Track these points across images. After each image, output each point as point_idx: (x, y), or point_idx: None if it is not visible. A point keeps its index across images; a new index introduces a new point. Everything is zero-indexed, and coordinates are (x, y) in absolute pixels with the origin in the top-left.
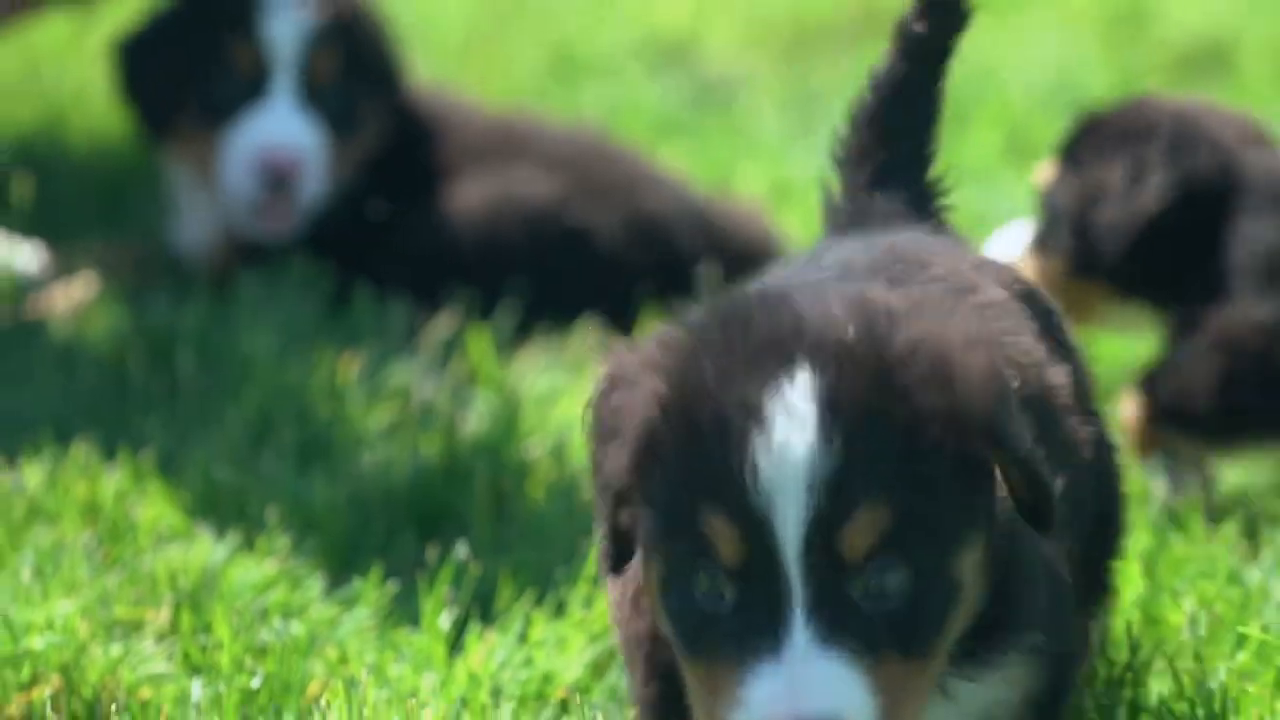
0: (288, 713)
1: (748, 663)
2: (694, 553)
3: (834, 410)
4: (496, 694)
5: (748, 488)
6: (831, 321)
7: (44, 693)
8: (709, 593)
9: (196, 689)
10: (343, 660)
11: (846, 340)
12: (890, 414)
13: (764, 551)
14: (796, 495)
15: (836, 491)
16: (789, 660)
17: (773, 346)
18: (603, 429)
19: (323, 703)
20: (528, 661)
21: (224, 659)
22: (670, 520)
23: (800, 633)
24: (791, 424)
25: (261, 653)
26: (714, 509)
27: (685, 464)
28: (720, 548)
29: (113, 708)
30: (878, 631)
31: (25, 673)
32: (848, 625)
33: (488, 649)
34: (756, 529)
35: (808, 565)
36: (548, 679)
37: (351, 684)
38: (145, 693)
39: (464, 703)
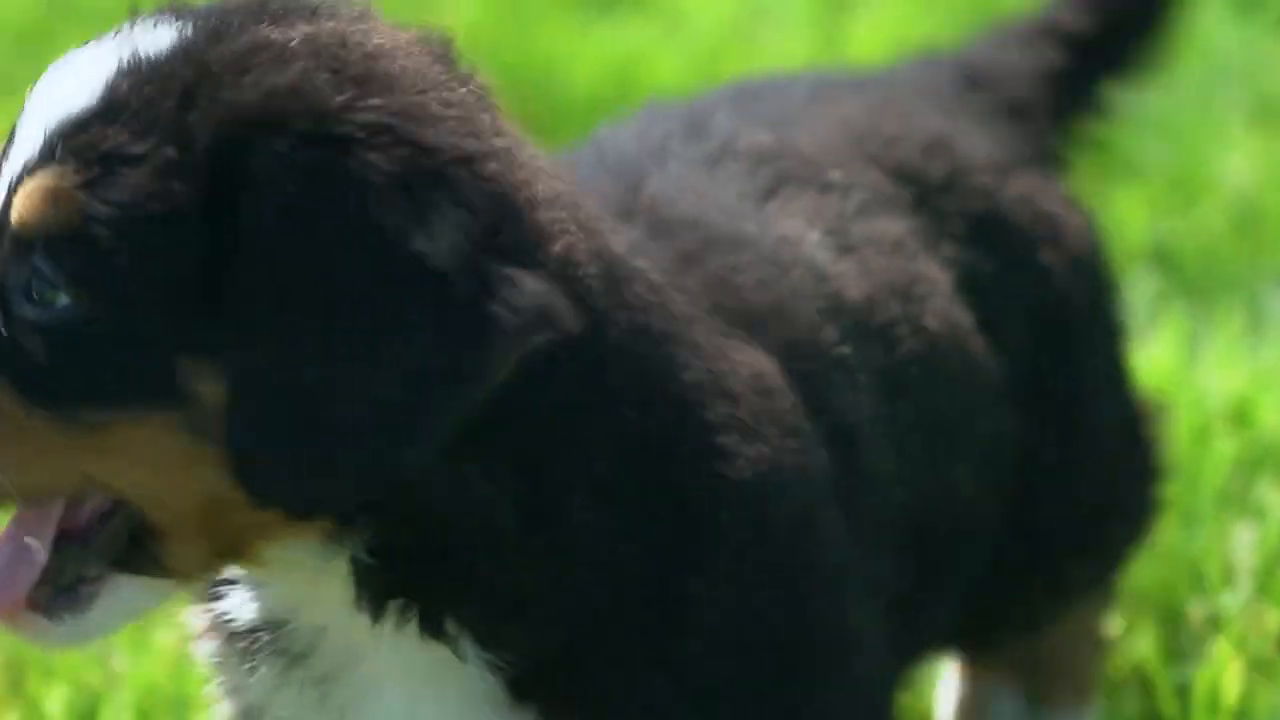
0: None
1: None
2: None
3: (150, 60)
4: None
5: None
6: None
7: None
8: None
9: None
10: None
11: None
12: (168, 96)
13: None
14: (36, 121)
15: (58, 141)
16: None
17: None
18: None
19: None
20: None
21: None
22: None
23: None
24: (110, 47)
25: None
26: None
27: None
28: None
29: None
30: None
31: None
32: None
33: None
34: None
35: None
36: None
37: None
38: None
39: None
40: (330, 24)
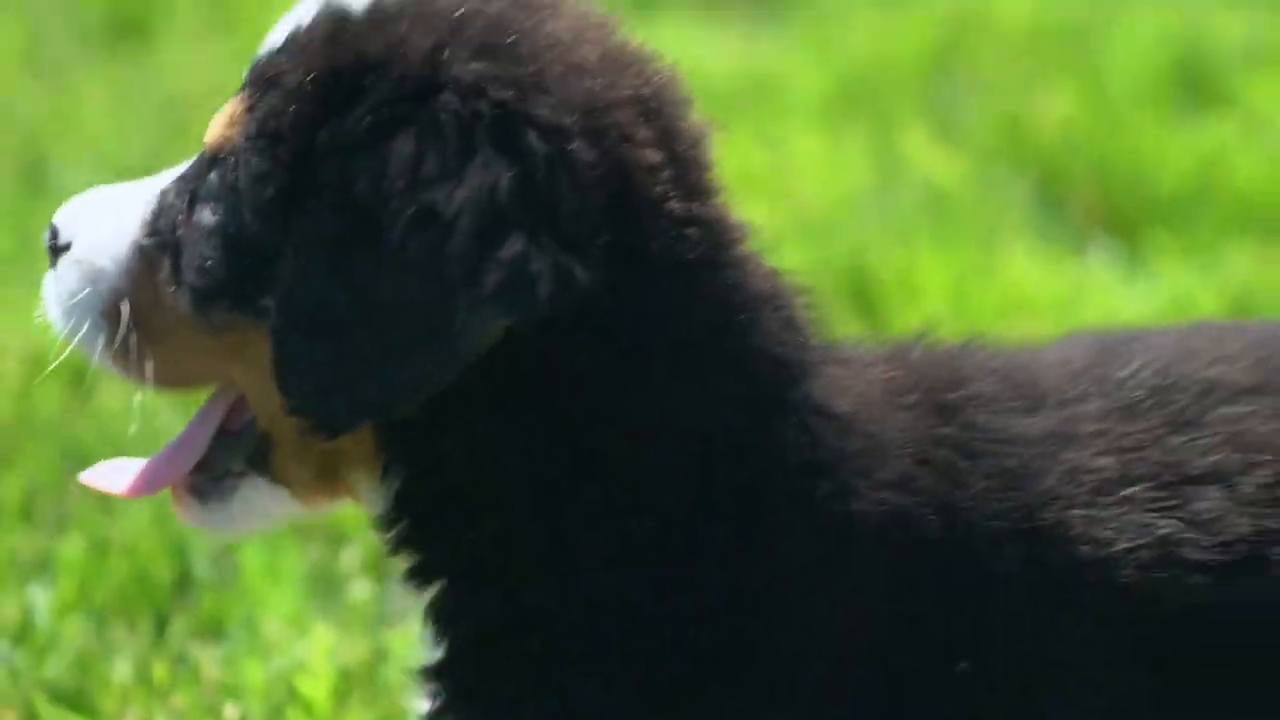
0: None
1: None
2: None
3: (317, 19)
4: None
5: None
6: None
7: None
8: None
9: None
10: None
11: None
12: (320, 41)
13: None
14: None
15: (254, 68)
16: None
17: None
18: None
19: None
20: None
21: None
22: None
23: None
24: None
25: None
26: None
27: None
28: None
29: None
30: (172, 234)
31: None
32: (167, 211)
33: None
34: None
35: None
36: None
37: None
38: None
39: None
40: (497, 4)
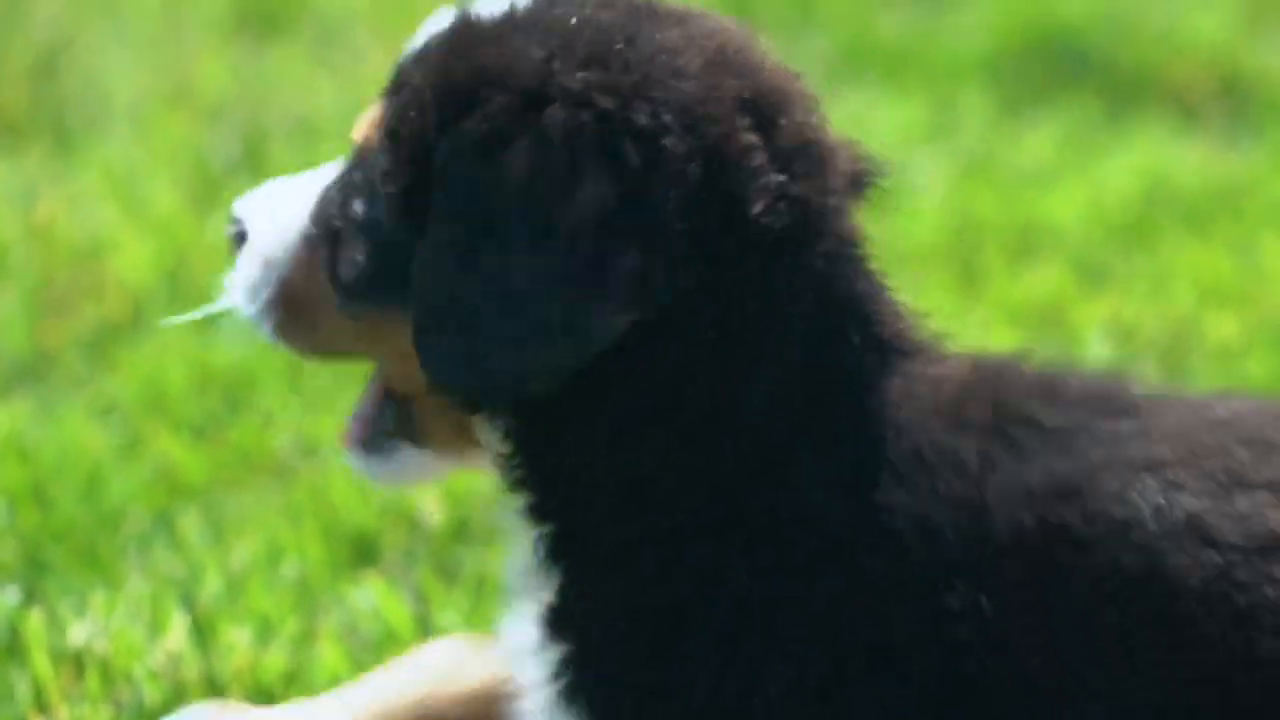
0: None
1: None
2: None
3: (452, 28)
4: None
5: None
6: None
7: None
8: None
9: None
10: None
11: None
12: (460, 52)
13: None
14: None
15: (398, 74)
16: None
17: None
18: None
19: None
20: None
21: None
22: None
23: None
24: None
25: None
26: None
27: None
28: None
29: None
30: (329, 224)
31: None
32: (326, 202)
33: None
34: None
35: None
36: None
37: None
38: None
39: None
40: (610, 15)
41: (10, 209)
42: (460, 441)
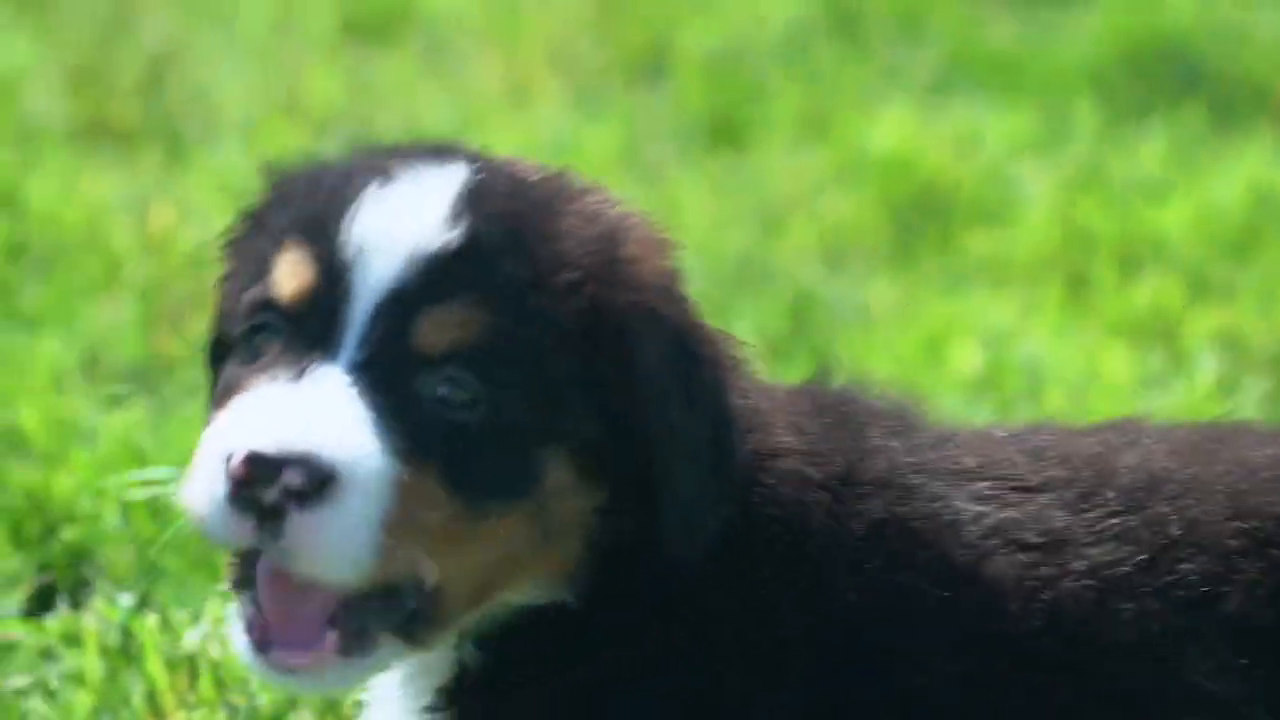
0: None
1: (263, 383)
2: (260, 299)
3: (476, 201)
4: None
5: (341, 226)
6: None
7: None
8: (262, 336)
9: None
10: None
11: (517, 170)
12: (530, 237)
13: (332, 296)
14: (393, 254)
15: (441, 274)
16: (296, 388)
17: (434, 152)
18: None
19: None
20: None
21: None
22: (246, 265)
23: (329, 371)
24: (422, 190)
25: None
26: (296, 240)
27: (284, 211)
28: (287, 281)
29: None
30: (427, 437)
31: None
32: (403, 414)
33: None
34: (332, 269)
35: (372, 326)
36: None
37: None
38: None
39: None
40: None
41: (124, 218)
42: (486, 598)
